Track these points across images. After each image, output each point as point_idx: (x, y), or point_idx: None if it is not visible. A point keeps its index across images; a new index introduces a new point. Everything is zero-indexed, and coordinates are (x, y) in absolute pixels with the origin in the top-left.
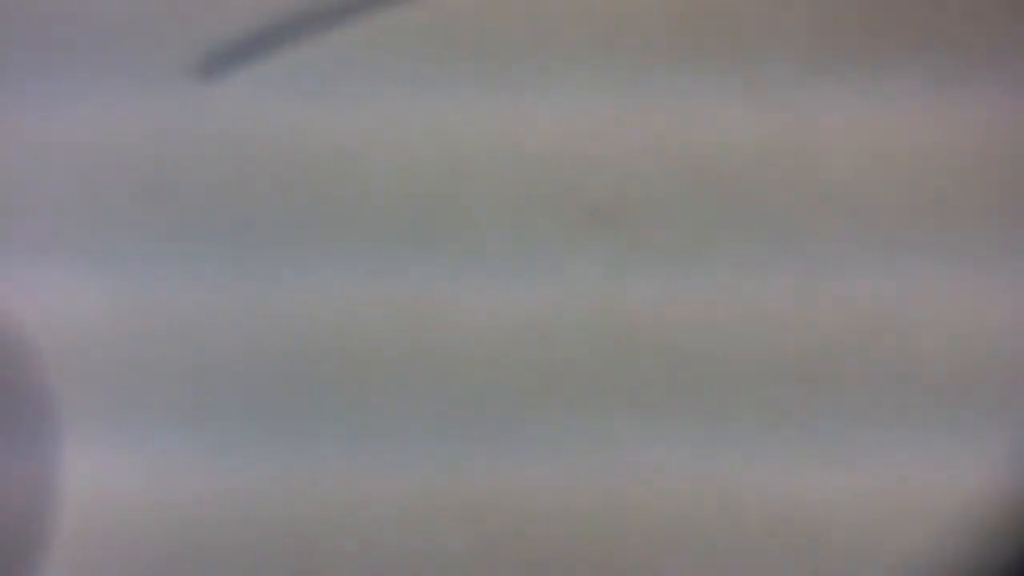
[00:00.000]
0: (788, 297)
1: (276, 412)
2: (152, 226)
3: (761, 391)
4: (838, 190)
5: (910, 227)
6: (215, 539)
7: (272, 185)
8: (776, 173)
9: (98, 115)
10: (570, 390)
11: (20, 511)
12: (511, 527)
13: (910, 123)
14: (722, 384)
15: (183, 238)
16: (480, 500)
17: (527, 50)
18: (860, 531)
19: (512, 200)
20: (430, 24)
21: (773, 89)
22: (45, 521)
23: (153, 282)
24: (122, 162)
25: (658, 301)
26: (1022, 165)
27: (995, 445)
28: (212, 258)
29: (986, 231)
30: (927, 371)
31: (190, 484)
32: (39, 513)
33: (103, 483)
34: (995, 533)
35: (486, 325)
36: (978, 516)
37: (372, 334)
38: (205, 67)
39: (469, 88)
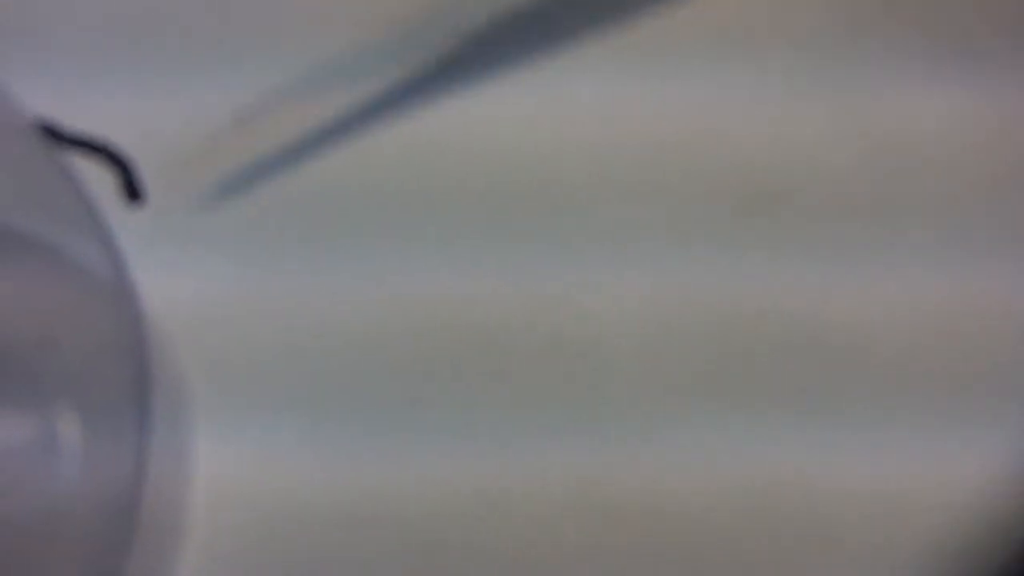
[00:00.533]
0: (946, 294)
1: (401, 406)
2: (278, 216)
3: (913, 390)
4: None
5: None
6: (338, 531)
7: (393, 175)
8: (943, 167)
9: None
10: (709, 387)
11: (156, 500)
12: (636, 528)
13: None
14: (874, 382)
15: (312, 231)
16: (605, 499)
17: (688, 28)
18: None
19: (659, 187)
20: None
21: (956, 76)
22: (179, 511)
23: (280, 273)
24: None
25: (810, 294)
26: None
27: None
28: (338, 251)
29: None
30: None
31: (316, 477)
32: (174, 502)
33: (231, 474)
34: (1004, 528)
35: (622, 318)
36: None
37: (498, 328)
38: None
39: (613, 69)
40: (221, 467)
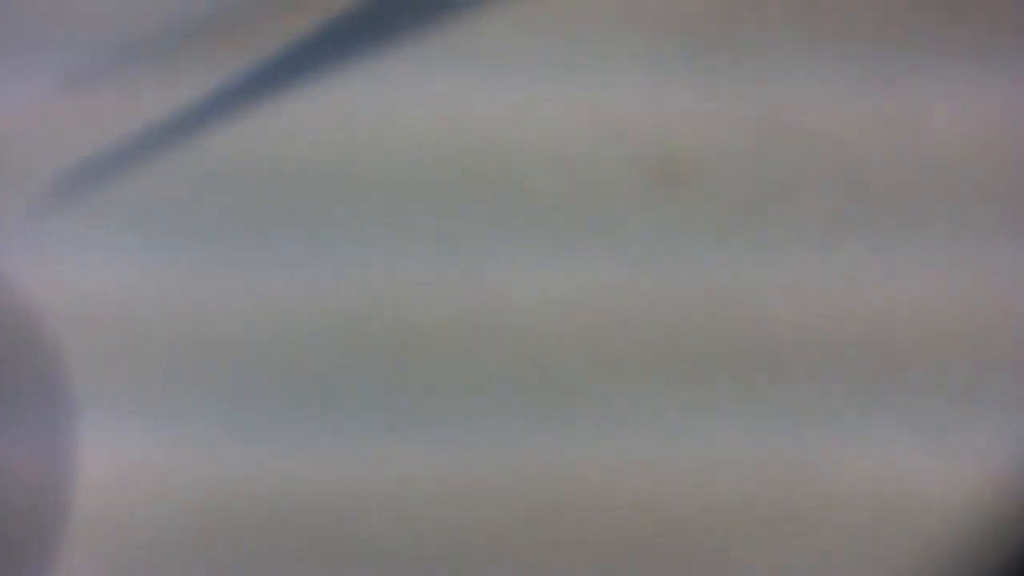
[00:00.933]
0: (862, 267)
1: (304, 393)
2: (172, 203)
3: (827, 363)
4: (924, 164)
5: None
6: (236, 524)
7: (302, 160)
8: (857, 139)
9: None
10: (627, 364)
11: (36, 494)
12: (568, 513)
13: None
14: (787, 356)
15: (206, 214)
16: (535, 485)
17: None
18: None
19: (570, 161)
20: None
21: (865, 61)
22: (61, 504)
23: (174, 259)
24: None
25: (723, 269)
26: None
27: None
28: (234, 235)
29: None
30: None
31: (210, 467)
32: (56, 496)
33: (120, 466)
34: (1007, 526)
35: (541, 298)
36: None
37: (414, 308)
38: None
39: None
40: (105, 461)
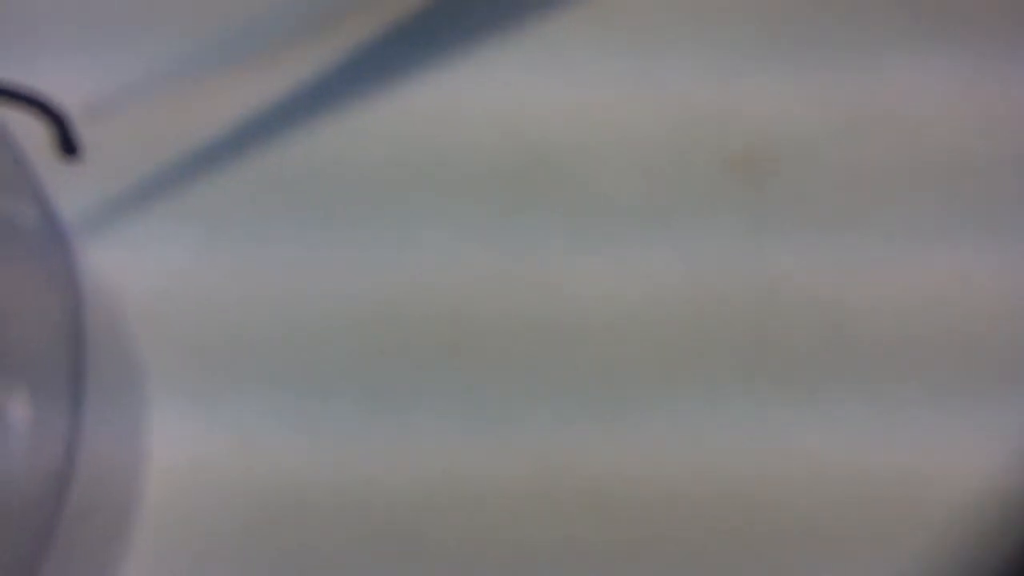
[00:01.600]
0: (941, 265)
1: (367, 387)
2: (249, 188)
3: (909, 361)
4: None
5: None
6: (299, 513)
7: (368, 157)
8: (947, 128)
9: None
10: (697, 360)
11: (109, 476)
12: (633, 511)
13: None
14: (866, 353)
15: (284, 202)
16: (600, 481)
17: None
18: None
19: (644, 153)
20: None
21: (958, 43)
22: (134, 486)
23: (249, 245)
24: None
25: (801, 263)
26: None
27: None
28: (300, 233)
29: None
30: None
31: (275, 457)
32: (128, 478)
33: (193, 449)
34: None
35: (613, 293)
36: (998, 493)
37: (482, 301)
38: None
39: (601, 42)
40: (177, 446)
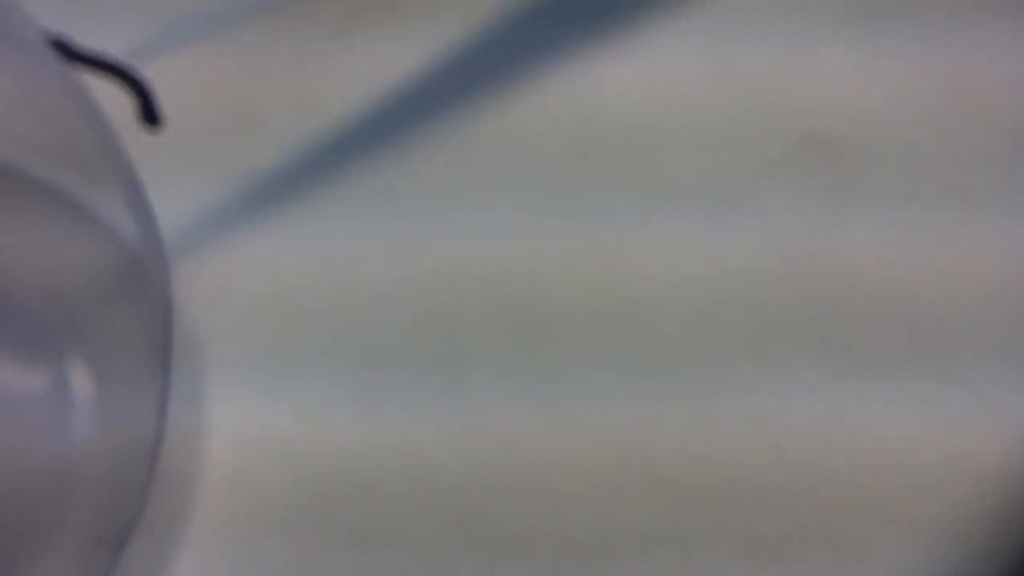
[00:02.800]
0: (1021, 244)
1: (440, 358)
2: (309, 161)
3: (987, 342)
4: None
5: None
6: (357, 489)
7: (434, 123)
8: (1019, 110)
9: None
10: (773, 341)
11: (171, 455)
12: (698, 490)
13: None
14: (943, 333)
15: (346, 175)
16: (666, 460)
17: None
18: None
19: (715, 134)
20: None
21: None
22: (195, 465)
23: (310, 218)
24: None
25: (874, 241)
26: None
27: None
28: (375, 194)
29: None
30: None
31: (341, 430)
32: (189, 457)
33: (253, 422)
34: None
35: (680, 270)
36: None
37: (552, 277)
38: None
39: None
40: (237, 419)
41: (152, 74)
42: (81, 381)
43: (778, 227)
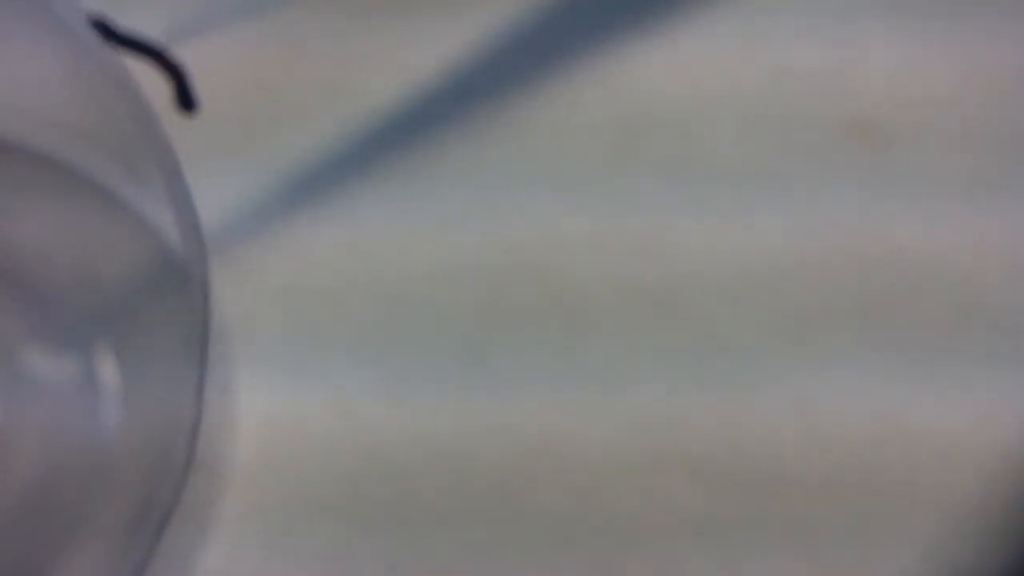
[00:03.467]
0: None
1: (474, 344)
2: (343, 148)
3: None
4: None
5: None
6: (396, 472)
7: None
8: None
9: None
10: (813, 327)
11: (201, 440)
12: (736, 478)
13: None
14: (988, 321)
15: (380, 162)
16: (703, 447)
17: None
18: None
19: (757, 121)
20: None
21: None
22: (224, 452)
23: (344, 204)
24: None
25: (918, 229)
26: None
27: None
28: (409, 181)
29: None
30: None
31: (373, 417)
32: (218, 444)
33: (286, 409)
34: None
35: (720, 256)
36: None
37: (588, 262)
38: None
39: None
40: (271, 409)
41: (188, 57)
42: (115, 369)
43: (819, 214)
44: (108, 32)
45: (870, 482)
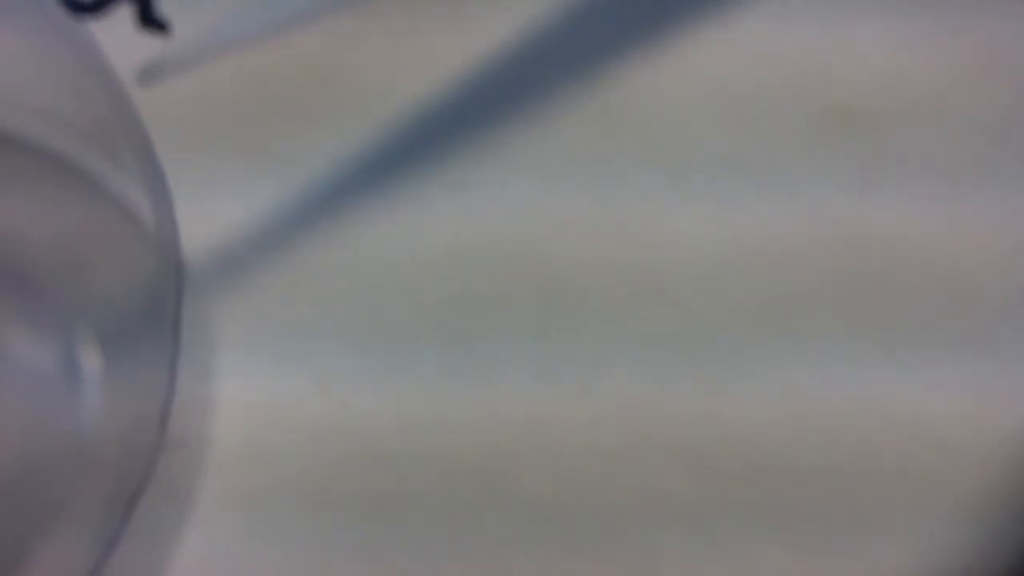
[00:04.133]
0: None
1: (461, 330)
2: (320, 127)
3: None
4: None
5: None
6: (380, 457)
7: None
8: None
9: None
10: (801, 315)
11: (178, 424)
12: (726, 465)
13: None
14: (976, 309)
15: (362, 143)
16: (693, 435)
17: None
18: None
19: (739, 109)
20: None
21: None
22: (202, 434)
23: (325, 185)
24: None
25: (904, 216)
26: None
27: None
28: (395, 162)
29: None
30: None
31: (358, 401)
32: (195, 426)
33: (267, 397)
34: None
35: (707, 243)
36: None
37: (574, 249)
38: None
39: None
40: (252, 393)
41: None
42: (94, 353)
43: (804, 201)
44: (75, 4)
45: (856, 469)
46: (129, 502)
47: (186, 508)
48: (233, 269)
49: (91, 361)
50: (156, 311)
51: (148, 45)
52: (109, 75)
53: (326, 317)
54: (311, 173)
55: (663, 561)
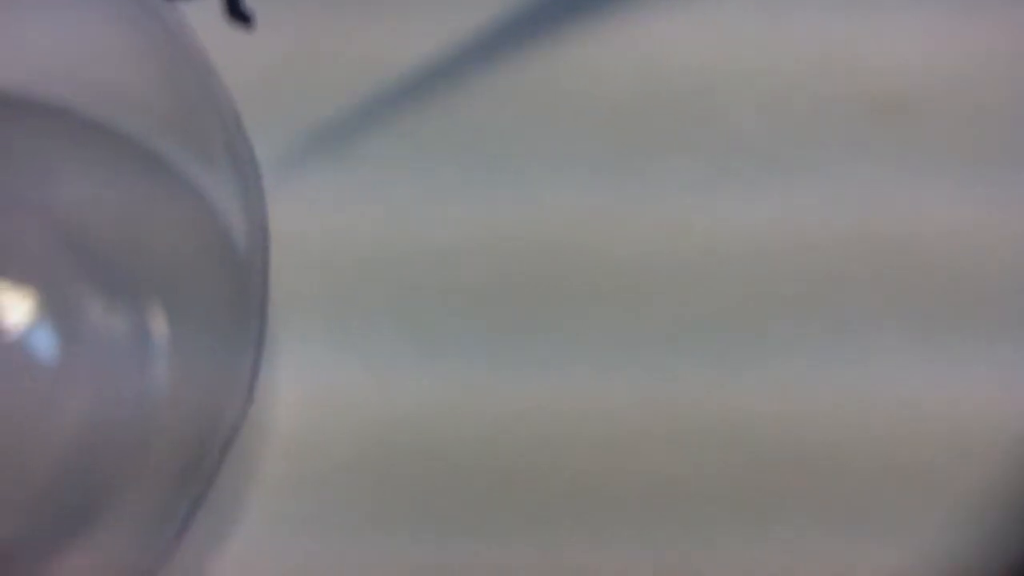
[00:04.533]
0: None
1: (504, 317)
2: (382, 133)
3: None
4: None
5: None
6: (429, 443)
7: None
8: None
9: None
10: (834, 303)
11: (233, 409)
12: (757, 452)
13: None
14: (1010, 297)
15: (416, 138)
16: (725, 422)
17: None
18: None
19: (777, 92)
20: None
21: None
22: (258, 419)
23: (379, 176)
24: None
25: (938, 205)
26: None
27: None
28: (438, 152)
29: None
30: None
31: (408, 389)
32: (251, 412)
33: (319, 380)
34: None
35: (740, 232)
36: None
37: (613, 239)
38: None
39: None
40: (306, 379)
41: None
42: (166, 330)
43: (841, 189)
44: None
45: (880, 459)
46: (203, 483)
47: (242, 496)
48: (287, 254)
49: (164, 337)
50: (234, 301)
51: (233, 37)
52: (202, 56)
53: (379, 306)
54: (362, 160)
55: (705, 553)
